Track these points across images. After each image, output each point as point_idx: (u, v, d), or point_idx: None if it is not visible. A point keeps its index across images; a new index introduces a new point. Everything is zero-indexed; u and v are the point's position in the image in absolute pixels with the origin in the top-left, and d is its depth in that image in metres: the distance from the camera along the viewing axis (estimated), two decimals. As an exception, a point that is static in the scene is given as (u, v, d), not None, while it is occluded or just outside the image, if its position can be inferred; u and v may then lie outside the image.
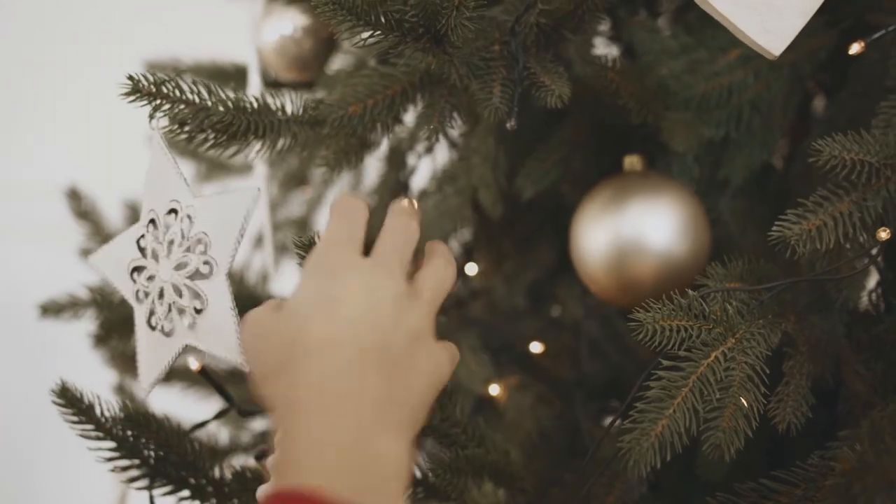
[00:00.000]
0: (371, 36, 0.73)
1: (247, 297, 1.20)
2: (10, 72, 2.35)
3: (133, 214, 1.21)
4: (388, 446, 0.55)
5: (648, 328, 0.68)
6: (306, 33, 1.07)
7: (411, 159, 1.16)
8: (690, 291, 0.71)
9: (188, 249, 0.73)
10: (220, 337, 0.73)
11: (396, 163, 1.17)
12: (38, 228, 2.26)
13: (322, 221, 1.39)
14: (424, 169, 1.18)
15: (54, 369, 2.37)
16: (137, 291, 0.77)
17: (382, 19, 0.72)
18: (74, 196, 1.16)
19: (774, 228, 0.72)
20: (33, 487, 2.26)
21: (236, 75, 1.13)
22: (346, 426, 0.54)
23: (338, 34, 1.05)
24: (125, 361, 1.16)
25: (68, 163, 2.26)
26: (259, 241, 1.37)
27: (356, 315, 0.58)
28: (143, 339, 0.78)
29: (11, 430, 2.24)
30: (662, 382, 0.68)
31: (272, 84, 1.12)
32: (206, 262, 0.72)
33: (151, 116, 0.74)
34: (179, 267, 0.73)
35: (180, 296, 0.73)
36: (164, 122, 0.75)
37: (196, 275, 0.72)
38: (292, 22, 1.07)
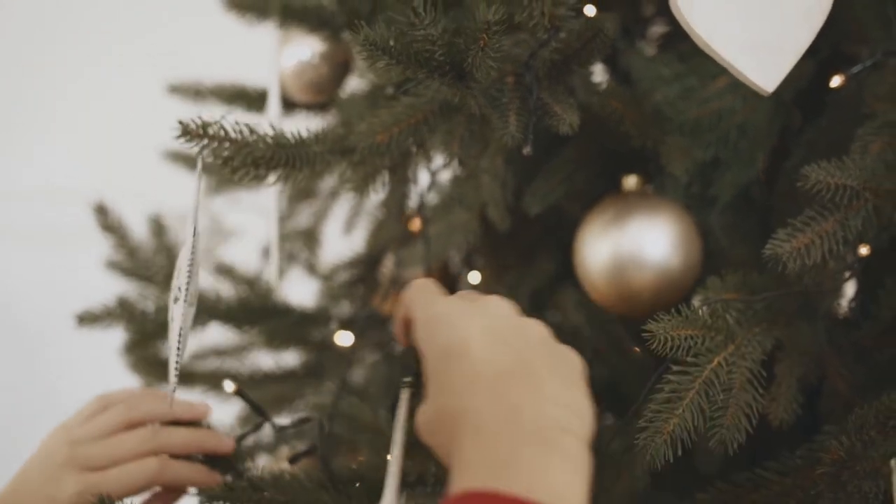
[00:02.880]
0: (403, 73, 0.81)
1: (259, 304, 1.28)
2: (9, 73, 2.38)
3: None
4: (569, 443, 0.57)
5: (660, 337, 0.76)
6: (323, 59, 1.14)
7: (415, 175, 1.23)
8: (695, 303, 0.79)
9: (178, 276, 0.82)
10: (169, 355, 0.81)
11: (402, 178, 1.24)
12: (36, 231, 2.30)
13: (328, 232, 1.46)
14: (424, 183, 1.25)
15: (49, 370, 2.40)
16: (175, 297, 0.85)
17: (414, 59, 0.79)
18: (101, 210, 1.22)
19: (768, 246, 0.80)
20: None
21: (257, 98, 1.19)
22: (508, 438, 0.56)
23: (355, 61, 1.13)
24: (148, 367, 1.23)
25: (67, 166, 2.30)
26: (267, 252, 1.43)
27: (489, 350, 0.61)
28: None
29: (7, 430, 2.27)
30: (672, 385, 0.76)
31: (287, 105, 1.19)
32: (178, 288, 0.81)
33: (198, 155, 0.82)
34: (174, 289, 0.81)
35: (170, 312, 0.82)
36: (208, 159, 0.83)
37: (175, 298, 0.81)
38: (310, 48, 1.14)
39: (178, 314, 0.79)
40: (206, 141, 0.80)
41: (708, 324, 0.78)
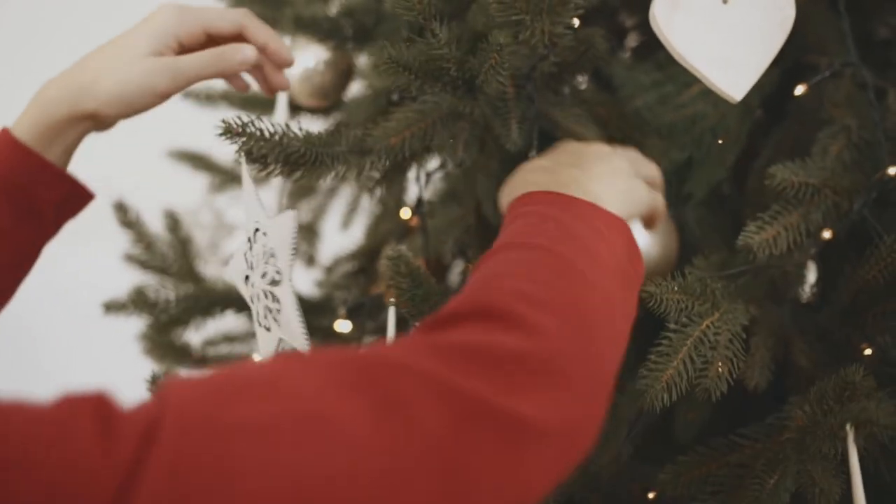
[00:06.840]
0: (419, 87, 0.90)
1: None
2: (12, 76, 2.41)
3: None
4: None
5: (657, 298, 0.86)
6: (327, 66, 1.22)
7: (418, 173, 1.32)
8: (688, 272, 0.89)
9: (267, 262, 0.89)
10: (291, 330, 0.88)
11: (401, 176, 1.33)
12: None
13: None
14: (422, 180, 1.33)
15: (41, 366, 2.44)
16: (251, 296, 0.93)
17: (431, 75, 0.89)
18: (120, 207, 1.29)
19: (741, 237, 0.91)
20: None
21: (265, 103, 1.27)
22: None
23: (357, 68, 1.22)
24: (163, 353, 1.31)
25: (72, 166, 2.33)
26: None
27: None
28: (258, 334, 0.93)
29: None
30: (669, 342, 0.86)
31: (293, 109, 1.27)
32: (277, 272, 0.88)
33: (238, 152, 0.89)
34: (264, 276, 0.89)
35: (267, 298, 0.89)
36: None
37: (273, 282, 0.89)
38: (315, 56, 1.22)
39: (287, 292, 0.87)
40: (244, 139, 0.88)
41: (697, 293, 0.88)
